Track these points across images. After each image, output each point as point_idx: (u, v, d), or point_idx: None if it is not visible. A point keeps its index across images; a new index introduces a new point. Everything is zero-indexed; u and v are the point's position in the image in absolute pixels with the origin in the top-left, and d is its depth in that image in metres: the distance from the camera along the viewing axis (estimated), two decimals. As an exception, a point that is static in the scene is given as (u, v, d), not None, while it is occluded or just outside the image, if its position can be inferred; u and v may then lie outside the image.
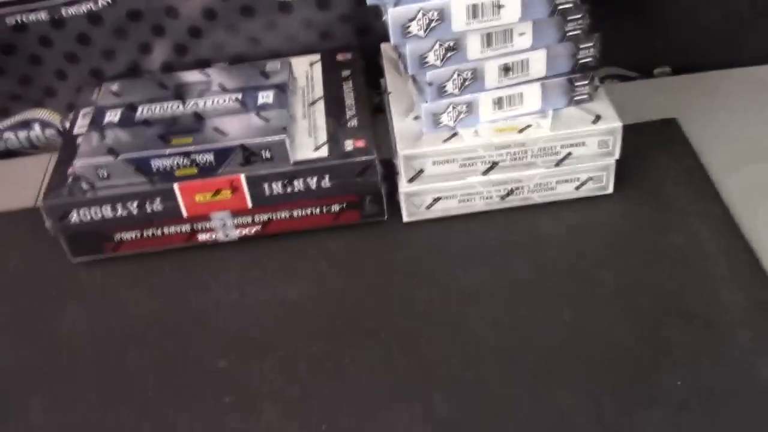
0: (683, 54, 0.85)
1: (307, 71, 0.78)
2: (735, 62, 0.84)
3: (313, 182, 0.67)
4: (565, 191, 0.70)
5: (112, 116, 0.70)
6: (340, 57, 0.80)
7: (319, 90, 0.75)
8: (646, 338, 0.59)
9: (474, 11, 0.61)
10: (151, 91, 0.72)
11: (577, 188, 0.70)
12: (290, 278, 0.68)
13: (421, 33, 0.62)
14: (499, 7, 0.61)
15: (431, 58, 0.63)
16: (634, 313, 0.61)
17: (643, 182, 0.72)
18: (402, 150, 0.66)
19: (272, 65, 0.74)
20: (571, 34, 0.65)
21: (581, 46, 0.66)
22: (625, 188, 0.71)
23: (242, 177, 0.66)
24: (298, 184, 0.67)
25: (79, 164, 0.65)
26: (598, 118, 0.67)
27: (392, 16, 0.60)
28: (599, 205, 0.71)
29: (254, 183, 0.67)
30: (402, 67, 0.73)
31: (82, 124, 0.74)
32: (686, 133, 0.77)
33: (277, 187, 0.67)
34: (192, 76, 0.74)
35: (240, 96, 0.70)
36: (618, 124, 0.67)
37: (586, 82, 0.68)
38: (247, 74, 0.73)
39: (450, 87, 0.65)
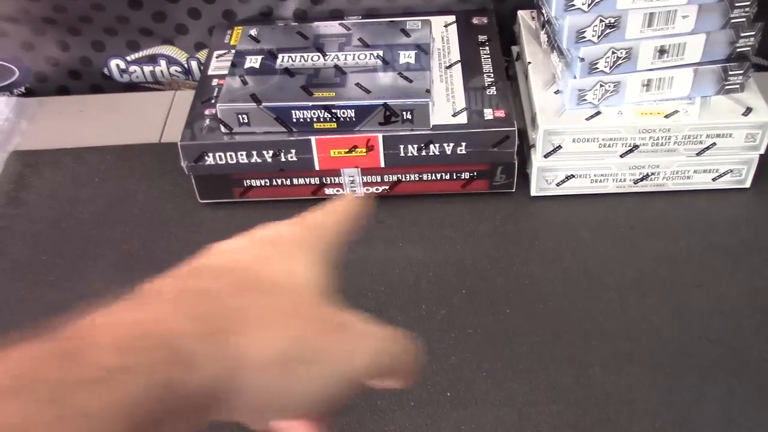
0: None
1: (442, 32, 0.77)
2: None
3: (448, 148, 0.67)
4: (701, 181, 0.69)
5: (253, 62, 0.70)
6: (475, 20, 0.78)
7: (455, 53, 0.74)
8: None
9: (642, -11, 0.59)
10: (290, 40, 0.72)
11: (714, 179, 0.68)
12: (415, 241, 0.68)
13: (585, 7, 0.60)
14: (669, -13, 0.59)
15: (589, 33, 0.62)
16: (760, 313, 0.60)
17: (780, 179, 0.70)
18: (543, 124, 0.65)
19: (412, 24, 0.73)
20: (735, 21, 0.62)
21: (742, 34, 0.63)
22: (760, 183, 0.69)
23: (380, 136, 0.66)
24: (434, 149, 0.67)
25: (220, 108, 0.66)
26: (749, 110, 0.65)
27: (558, -13, 0.59)
28: (734, 198, 0.69)
29: (391, 143, 0.66)
30: (545, 37, 0.71)
31: (217, 66, 0.74)
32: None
33: (413, 150, 0.67)
34: (331, 28, 0.73)
35: (381, 53, 0.69)
36: (770, 119, 0.65)
37: (741, 71, 0.65)
38: (387, 31, 0.72)
39: (602, 64, 0.64)
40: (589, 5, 0.60)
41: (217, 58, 0.76)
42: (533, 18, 0.77)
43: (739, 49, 0.64)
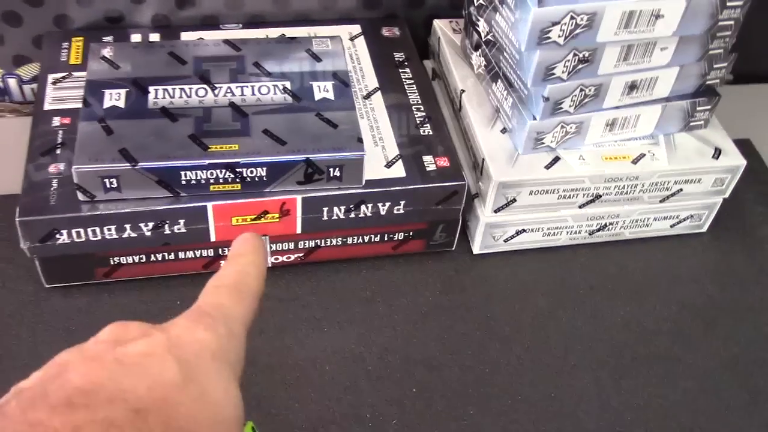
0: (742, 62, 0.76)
1: (349, 48, 0.62)
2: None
3: (383, 208, 0.53)
4: (659, 228, 0.60)
5: (115, 98, 0.51)
6: (386, 32, 0.64)
7: (371, 77, 0.60)
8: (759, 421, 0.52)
9: (629, 19, 0.48)
10: (161, 64, 0.54)
11: (673, 226, 0.60)
12: (343, 324, 0.54)
13: (561, 40, 0.48)
14: (657, 17, 0.49)
15: (559, 70, 0.50)
16: (746, 390, 0.53)
17: (732, 220, 0.63)
18: (497, 176, 0.53)
19: (320, 43, 0.57)
20: (712, 52, 0.53)
21: (715, 66, 0.55)
22: (715, 228, 0.62)
23: (298, 199, 0.51)
24: (365, 210, 0.53)
25: (79, 171, 0.47)
26: (718, 151, 0.57)
27: (535, 17, 0.46)
28: (693, 245, 0.62)
29: (312, 206, 0.51)
30: (481, 60, 0.59)
31: (56, 97, 0.55)
32: (763, 156, 0.69)
33: (339, 212, 0.52)
34: (215, 48, 0.56)
35: (288, 85, 0.54)
36: (742, 162, 0.57)
37: (709, 107, 0.57)
38: (289, 52, 0.56)
39: (567, 104, 0.52)
40: (566, 38, 0.48)
41: (53, 84, 0.56)
42: (456, 31, 0.64)
43: (709, 82, 0.56)
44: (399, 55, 0.62)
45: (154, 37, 0.61)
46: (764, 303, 0.59)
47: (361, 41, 0.63)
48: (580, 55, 0.50)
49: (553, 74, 0.50)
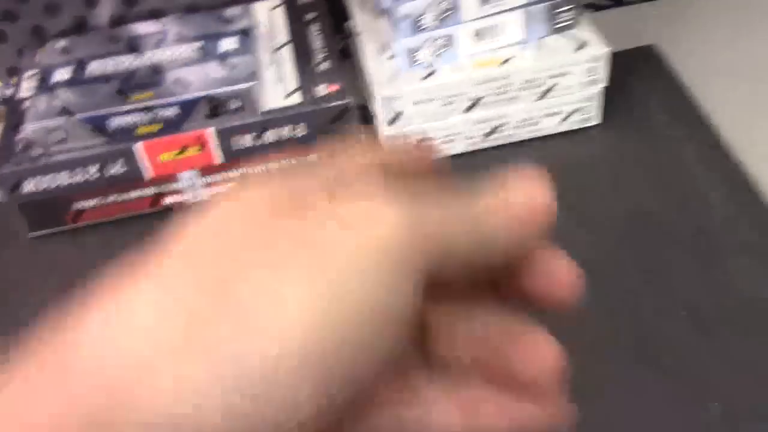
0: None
1: (268, 17, 0.73)
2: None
3: (285, 132, 0.63)
4: (551, 125, 0.67)
5: (62, 75, 0.64)
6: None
7: (283, 35, 0.70)
8: (651, 275, 0.57)
9: (450, -66, 0.57)
10: (101, 46, 0.67)
11: (563, 120, 0.67)
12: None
13: (395, -39, 0.57)
14: (477, -73, 0.57)
15: (406, -12, 0.59)
16: (637, 251, 0.59)
17: (628, 111, 0.69)
18: (379, 91, 0.62)
19: (232, 11, 0.69)
20: (552, -45, 0.61)
21: (563, -31, 0.62)
22: (610, 119, 0.68)
23: (210, 131, 0.61)
24: (270, 135, 0.63)
25: (30, 128, 0.60)
26: (582, 44, 0.64)
27: (363, -57, 0.56)
28: (587, 137, 0.68)
29: (223, 136, 0.62)
30: (375, 1, 0.68)
31: (27, 87, 0.68)
32: (666, 58, 0.75)
33: (248, 139, 0.62)
34: (145, 28, 0.68)
35: (200, 44, 0.65)
36: (605, 50, 0.63)
37: (569, 6, 0.64)
38: (205, 22, 0.68)
39: (427, 20, 0.61)
40: (399, -42, 0.57)
41: (28, 78, 0.70)
42: (360, -12, 0.74)
43: (562, -15, 0.63)
44: (311, 15, 0.72)
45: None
46: (655, 178, 0.64)
47: (280, 10, 0.73)
48: (421, -27, 0.58)
49: (403, -7, 0.59)
